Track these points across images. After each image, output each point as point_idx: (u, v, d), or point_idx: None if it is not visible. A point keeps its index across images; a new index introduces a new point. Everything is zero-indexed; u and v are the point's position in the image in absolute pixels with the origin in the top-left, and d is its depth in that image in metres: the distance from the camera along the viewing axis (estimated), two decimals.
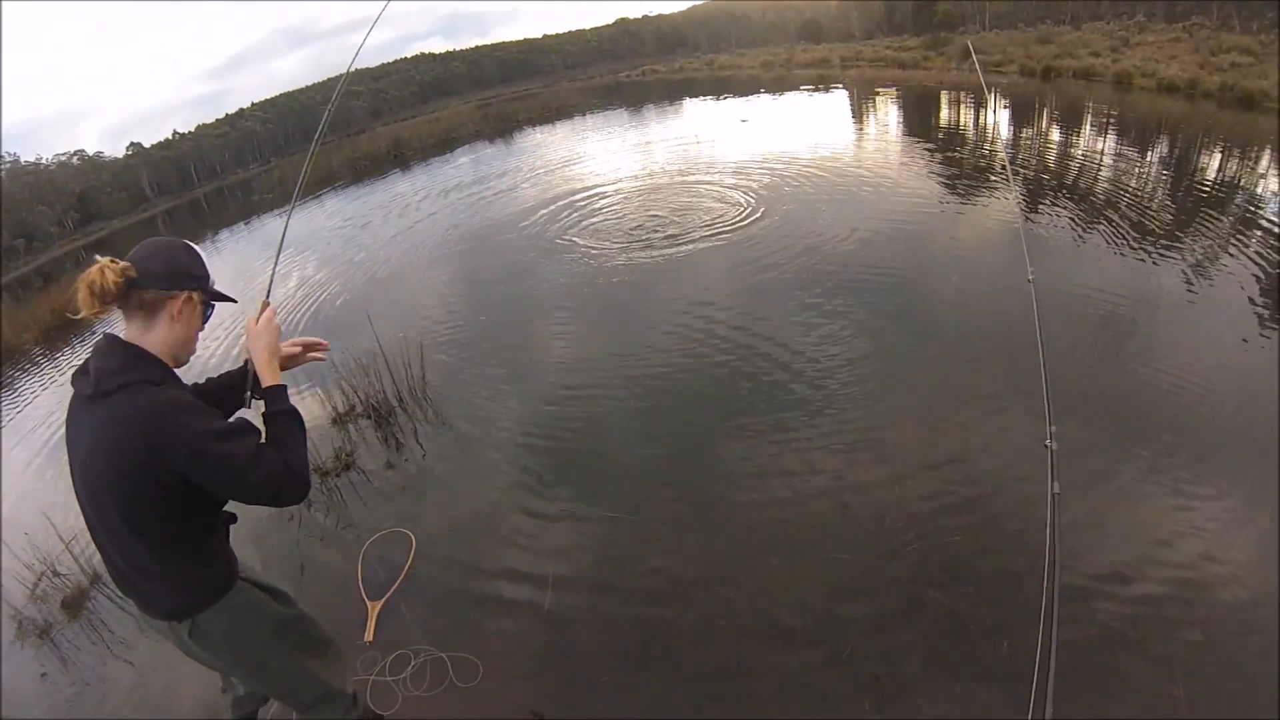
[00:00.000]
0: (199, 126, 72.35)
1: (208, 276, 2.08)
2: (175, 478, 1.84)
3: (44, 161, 60.66)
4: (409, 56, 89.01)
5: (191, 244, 2.08)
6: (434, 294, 8.97)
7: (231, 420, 2.01)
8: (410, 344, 6.42)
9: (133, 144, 66.93)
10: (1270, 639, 2.88)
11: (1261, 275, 6.24)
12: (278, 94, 79.27)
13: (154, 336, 1.96)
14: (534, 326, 7.39)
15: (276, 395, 2.10)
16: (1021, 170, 11.30)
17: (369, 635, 3.56)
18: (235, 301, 2.25)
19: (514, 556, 4.05)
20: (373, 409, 5.80)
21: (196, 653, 2.17)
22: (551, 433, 5.30)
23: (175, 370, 2.02)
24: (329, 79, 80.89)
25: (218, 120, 74.48)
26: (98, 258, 1.89)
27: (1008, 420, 4.55)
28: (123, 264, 1.89)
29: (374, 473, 5.12)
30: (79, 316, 1.90)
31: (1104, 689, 2.76)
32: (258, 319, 2.20)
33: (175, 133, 70.55)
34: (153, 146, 67.23)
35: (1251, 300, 5.79)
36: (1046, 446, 2.32)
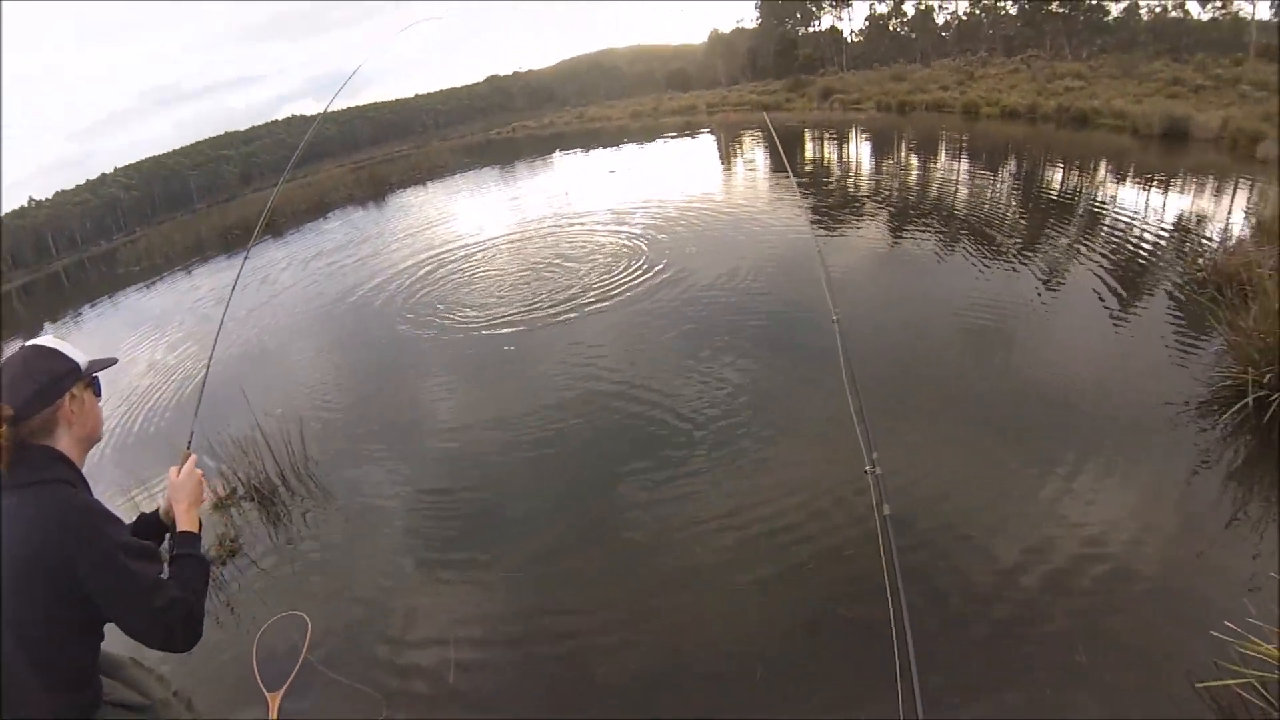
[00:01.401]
0: (58, 194, 67.72)
1: (76, 365, 1.95)
2: (74, 585, 1.72)
3: None
4: (280, 119, 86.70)
5: (42, 344, 1.95)
6: (308, 367, 8.52)
7: (145, 544, 1.91)
8: (288, 419, 6.16)
9: None
10: (1147, 588, 3.16)
11: (1108, 271, 6.89)
12: (143, 158, 75.26)
13: (62, 443, 1.88)
14: (414, 393, 7.16)
15: (191, 541, 2.04)
16: (883, 200, 12.01)
17: None
18: (117, 361, 2.15)
19: (415, 627, 3.89)
20: (255, 490, 5.46)
21: None
22: (442, 498, 5.14)
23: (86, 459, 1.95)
24: (196, 143, 77.54)
25: (78, 186, 69.60)
26: None
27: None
28: None
29: (261, 557, 4.80)
30: None
31: (1011, 672, 2.89)
32: (180, 469, 2.15)
33: (31, 200, 65.96)
34: (6, 215, 62.11)
35: (1101, 296, 6.36)
36: (869, 471, 2.49)
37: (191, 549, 2.02)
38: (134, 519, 2.28)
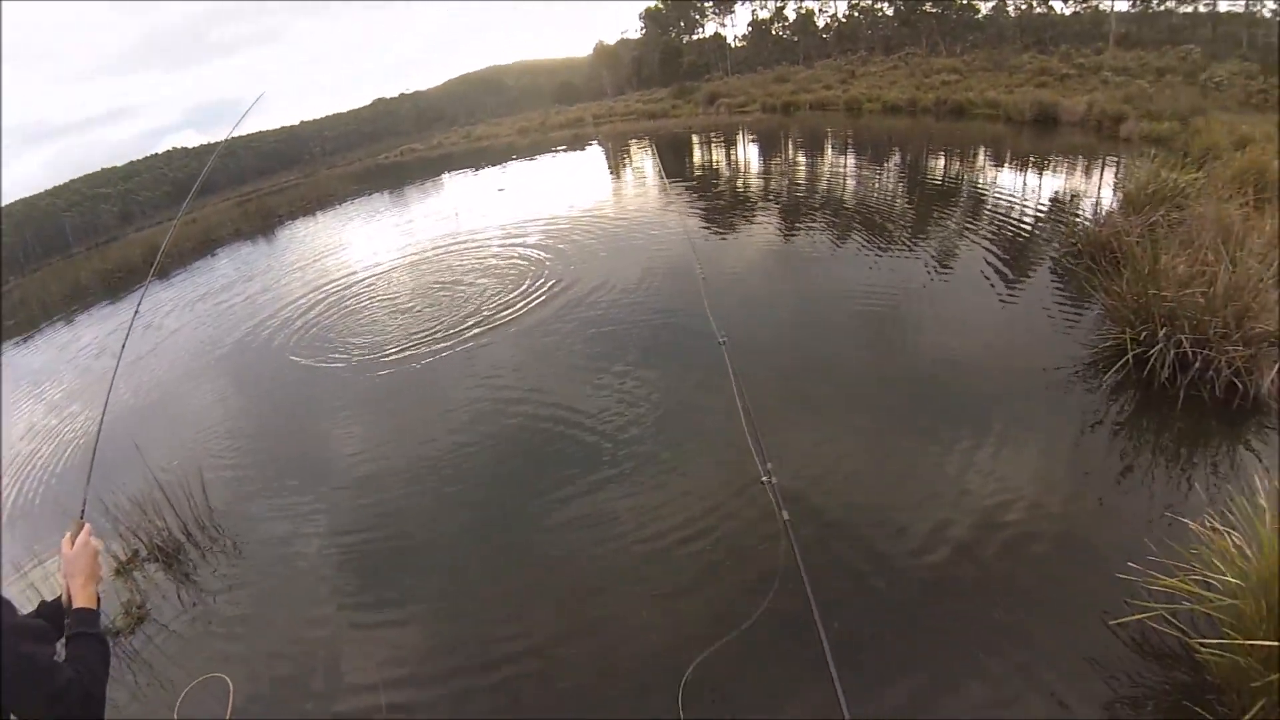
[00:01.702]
0: None
1: None
2: None
3: None
4: (160, 153, 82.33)
5: None
6: (202, 415, 7.95)
7: (36, 623, 1.82)
8: (187, 472, 5.80)
9: None
10: (1053, 541, 3.35)
11: (991, 249, 7.23)
12: (12, 201, 70.10)
13: None
14: (315, 432, 6.85)
15: (88, 618, 1.92)
16: (773, 198, 12.29)
17: None
18: None
19: (341, 676, 3.72)
20: (158, 550, 5.11)
21: None
22: (354, 537, 4.93)
23: None
24: (69, 181, 72.75)
25: None
26: None
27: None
28: None
29: (173, 620, 4.48)
30: None
31: (938, 640, 2.99)
32: (73, 539, 2.03)
33: None
34: None
35: (987, 274, 6.66)
36: (765, 481, 2.53)
37: (89, 627, 1.91)
38: (35, 608, 2.12)
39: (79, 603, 1.96)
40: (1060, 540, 3.37)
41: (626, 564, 3.94)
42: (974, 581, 3.23)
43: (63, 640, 1.89)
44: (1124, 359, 4.42)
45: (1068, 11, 39.68)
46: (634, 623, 3.52)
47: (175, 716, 3.62)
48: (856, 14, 50.63)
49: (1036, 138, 13.36)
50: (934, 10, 42.59)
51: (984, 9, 42.37)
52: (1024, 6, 40.90)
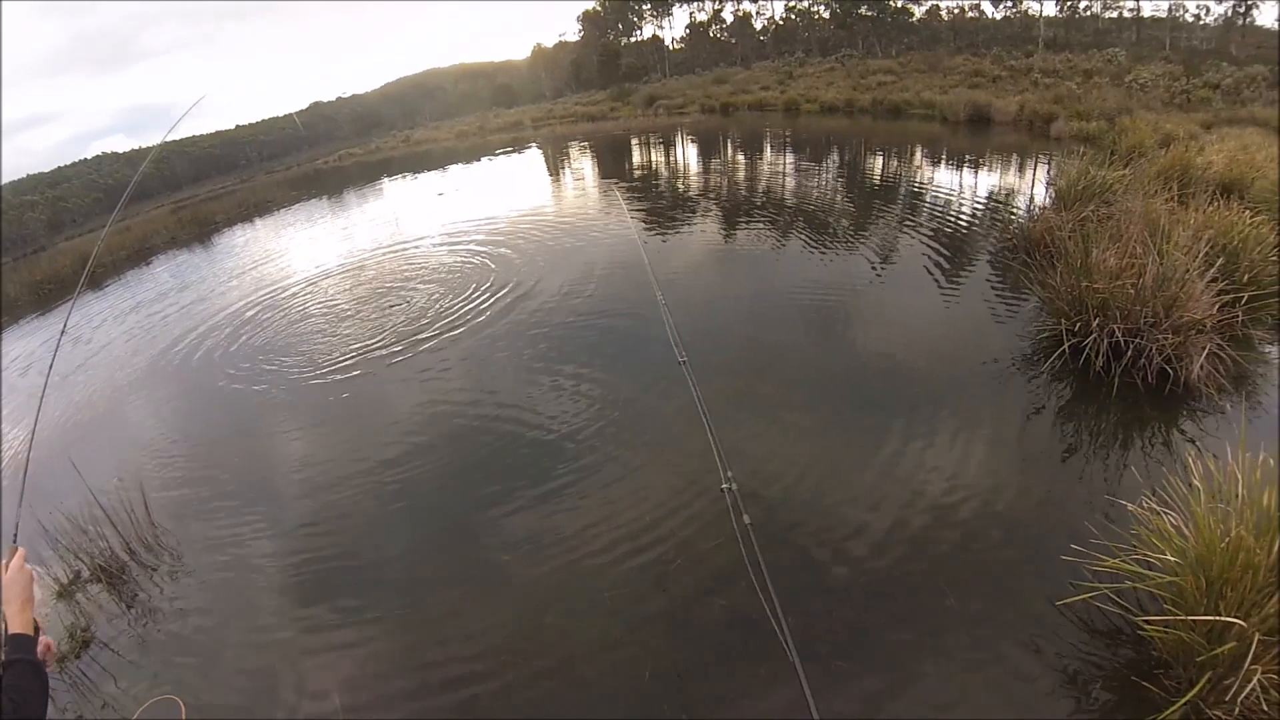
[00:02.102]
0: None
1: None
2: None
3: None
4: (89, 158, 78.92)
5: None
6: (140, 430, 7.69)
7: None
8: (128, 488, 5.60)
9: None
10: (1000, 528, 3.46)
11: (929, 246, 7.41)
12: None
13: None
14: (259, 445, 6.68)
15: (23, 643, 1.88)
16: (711, 199, 12.42)
17: None
18: None
19: (295, 694, 3.64)
20: (101, 570, 4.92)
21: None
22: (306, 549, 4.83)
23: None
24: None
25: None
26: None
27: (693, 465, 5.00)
28: None
29: (119, 642, 4.33)
30: None
31: (892, 630, 3.06)
32: (6, 565, 1.99)
33: None
34: None
35: (926, 270, 6.82)
36: (726, 489, 2.61)
37: (25, 653, 1.87)
38: None
39: (14, 629, 1.92)
40: (1006, 528, 3.47)
41: (584, 574, 3.93)
42: (925, 573, 3.31)
43: None
44: (1060, 349, 4.59)
45: (999, 16, 41.03)
46: (592, 634, 3.52)
47: None
48: (793, 16, 51.43)
49: (971, 137, 13.75)
50: (869, 14, 43.51)
51: (918, 12, 43.50)
52: (956, 11, 42.14)
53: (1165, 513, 2.80)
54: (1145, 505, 2.90)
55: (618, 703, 3.09)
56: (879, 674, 2.90)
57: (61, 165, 74.21)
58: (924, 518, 3.66)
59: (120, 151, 77.22)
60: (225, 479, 6.10)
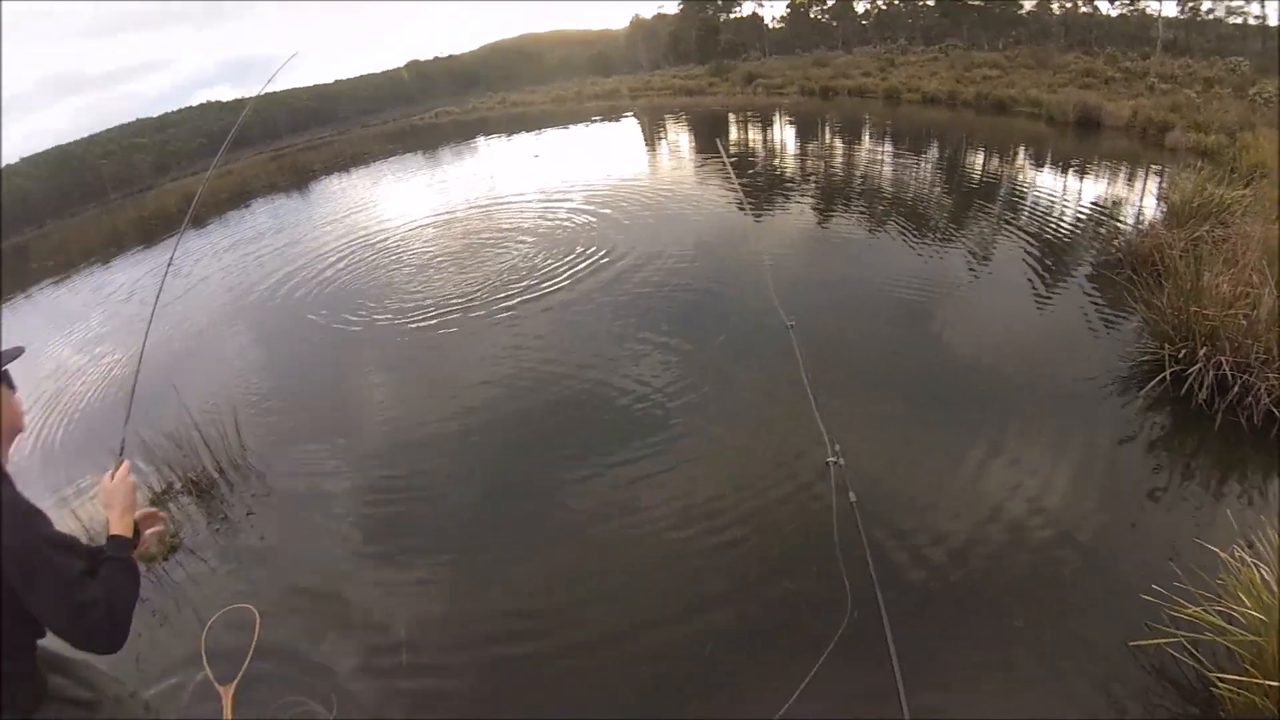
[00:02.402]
0: None
1: None
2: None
3: None
4: (194, 105, 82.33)
5: None
6: (236, 359, 8.25)
7: (70, 537, 1.89)
8: (222, 411, 5.95)
9: None
10: (1079, 555, 3.33)
11: (1027, 252, 7.16)
12: (50, 146, 70.51)
13: None
14: (348, 383, 6.99)
15: (121, 543, 2.01)
16: (809, 181, 12.17)
17: None
18: (23, 350, 2.11)
19: (363, 612, 3.85)
20: (192, 484, 5.28)
21: None
22: (383, 485, 5.07)
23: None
24: (105, 130, 73.08)
25: None
26: None
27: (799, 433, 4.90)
28: None
29: (203, 551, 4.65)
30: None
31: (950, 636, 3.00)
32: (113, 475, 2.14)
33: None
34: None
35: (1022, 276, 6.59)
36: (831, 463, 2.50)
37: (121, 552, 2.00)
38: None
39: (114, 531, 2.05)
40: (1085, 555, 3.35)
41: (653, 543, 3.97)
42: (997, 590, 3.23)
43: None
44: (1161, 375, 4.37)
45: (1114, 13, 38.60)
46: (654, 605, 3.54)
47: (203, 642, 3.73)
48: (897, 2, 49.67)
49: (1079, 140, 13.15)
50: (977, 3, 41.63)
51: (1028, 4, 41.37)
52: (1068, 5, 39.86)
53: (1257, 565, 2.65)
54: (1236, 554, 2.75)
55: (672, 680, 3.11)
56: (935, 682, 2.84)
57: (168, 111, 77.13)
58: (1003, 534, 3.56)
59: (224, 100, 79.87)
60: (310, 413, 6.42)
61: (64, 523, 4.65)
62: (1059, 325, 5.69)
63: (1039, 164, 11.59)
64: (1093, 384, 4.68)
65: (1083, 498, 3.73)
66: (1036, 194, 9.46)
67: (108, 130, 73.47)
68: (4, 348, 2.02)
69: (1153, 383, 4.40)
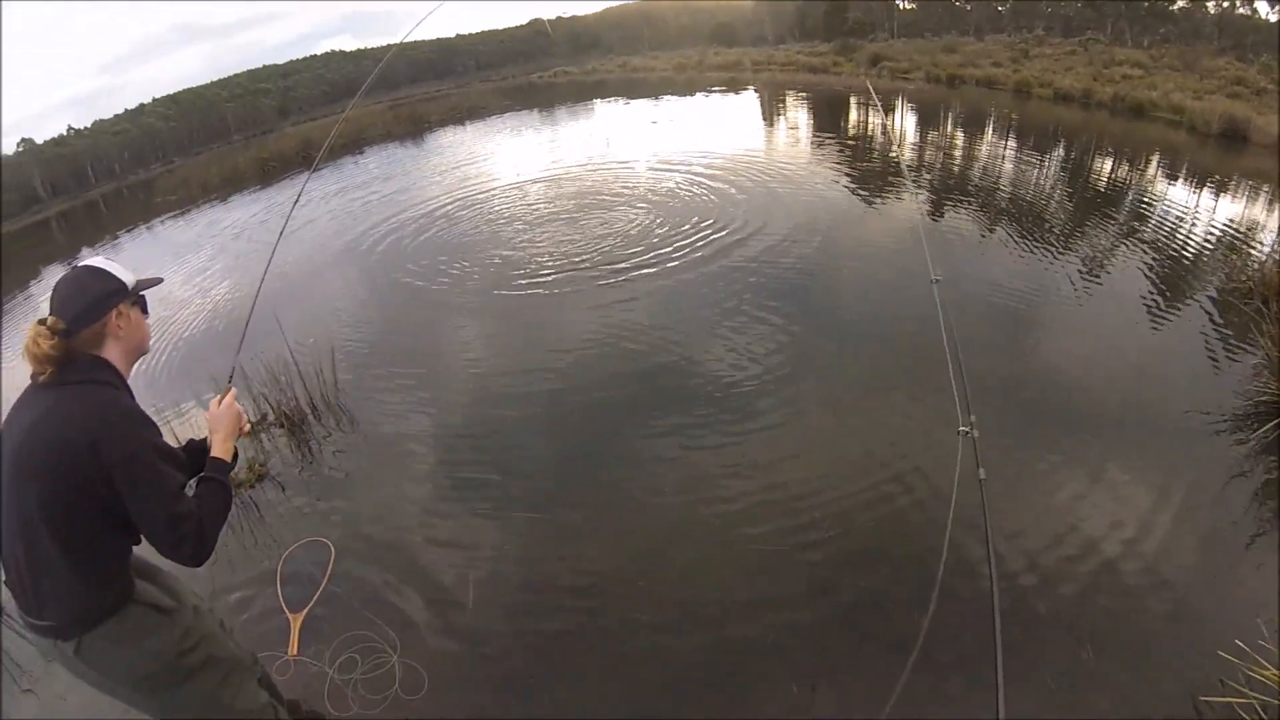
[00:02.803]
0: (96, 123, 66.26)
1: (123, 284, 2.10)
2: (101, 476, 1.84)
3: None
4: (318, 54, 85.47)
5: (93, 264, 2.10)
6: (336, 301, 8.67)
7: (175, 450, 2.08)
8: (320, 349, 6.25)
9: (23, 140, 60.87)
10: (1163, 596, 3.19)
11: (1150, 268, 6.80)
12: (181, 89, 74.53)
13: (110, 353, 2.04)
14: (444, 332, 7.23)
15: (220, 466, 2.18)
16: (928, 172, 11.81)
17: (292, 649, 3.43)
18: (161, 281, 2.32)
19: (434, 560, 4.01)
20: (285, 417, 5.60)
21: (84, 673, 2.09)
22: (465, 436, 5.26)
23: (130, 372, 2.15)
24: (233, 75, 76.87)
25: (116, 116, 68.12)
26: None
27: (918, 412, 4.76)
28: (50, 323, 1.93)
29: (288, 482, 4.96)
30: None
31: (1020, 656, 2.91)
32: (220, 400, 2.34)
33: (70, 129, 64.49)
34: (45, 143, 61.37)
35: (1141, 293, 6.28)
36: (963, 433, 2.37)
37: (219, 474, 2.15)
38: (187, 441, 2.42)
39: (216, 453, 2.22)
40: (1170, 597, 3.22)
41: (728, 522, 4.00)
42: (1071, 612, 3.14)
43: (195, 480, 2.15)
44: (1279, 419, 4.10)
45: (1274, 18, 35.28)
46: (720, 588, 3.55)
47: (279, 569, 3.96)
48: None
49: (1220, 154, 12.25)
50: None
51: (1180, 1, 38.22)
52: (1225, 4, 36.57)
53: None
54: None
55: (732, 662, 3.13)
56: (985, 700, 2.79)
57: (294, 59, 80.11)
58: (1087, 556, 3.46)
59: (347, 50, 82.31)
60: (406, 358, 6.71)
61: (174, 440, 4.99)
62: (1171, 349, 5.43)
63: (1171, 175, 10.91)
64: (1205, 419, 4.44)
65: (1177, 537, 3.57)
66: (1164, 207, 8.94)
67: (235, 75, 77.05)
68: (146, 277, 2.22)
69: (1269, 425, 4.14)
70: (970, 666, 2.86)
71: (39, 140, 62.38)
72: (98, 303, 2.01)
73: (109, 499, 1.88)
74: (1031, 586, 3.30)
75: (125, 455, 1.85)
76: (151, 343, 2.31)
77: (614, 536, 4.02)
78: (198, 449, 2.35)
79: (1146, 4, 38.22)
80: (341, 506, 4.63)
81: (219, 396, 2.36)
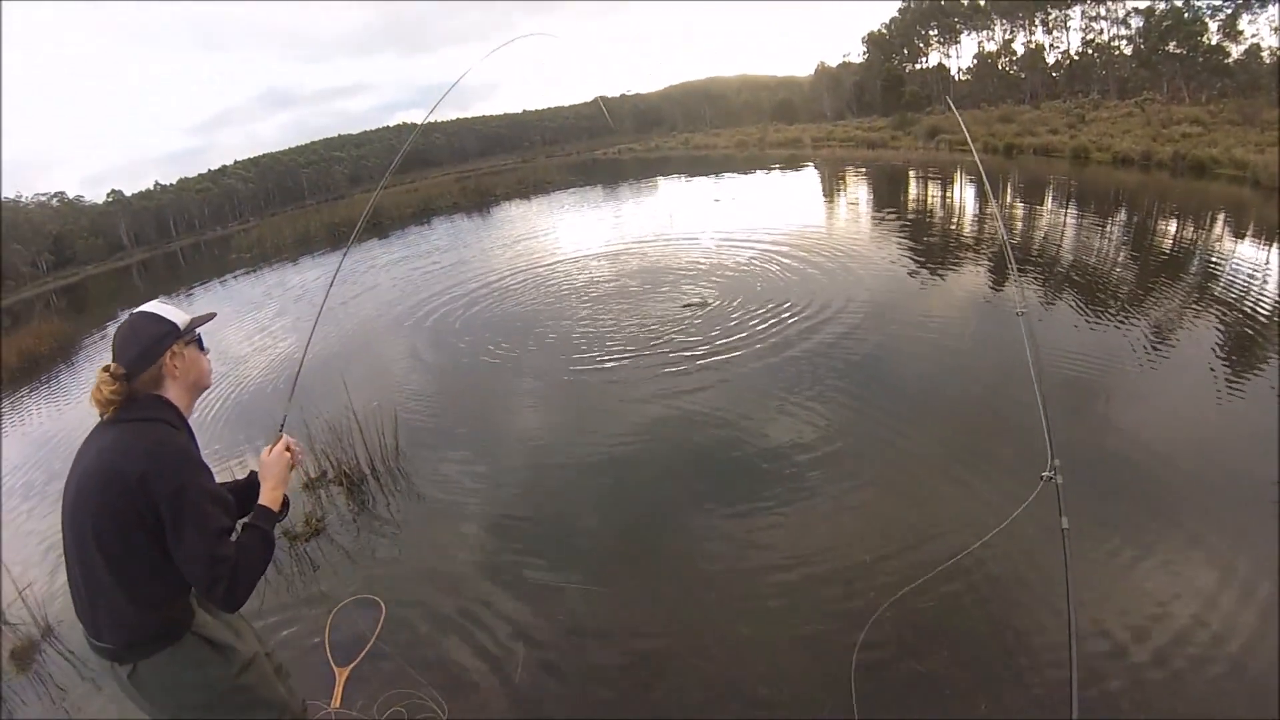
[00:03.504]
0: (180, 180, 71.10)
1: (175, 326, 2.21)
2: (152, 512, 1.94)
3: (23, 200, 59.28)
4: (391, 125, 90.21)
5: (147, 309, 2.23)
6: (404, 364, 8.97)
7: (225, 494, 2.14)
8: (384, 412, 6.41)
9: (113, 191, 65.87)
10: (1220, 676, 2.99)
11: (1220, 335, 6.56)
12: (261, 154, 78.96)
13: (169, 391, 2.17)
14: (503, 402, 7.35)
15: (267, 515, 2.25)
16: (993, 242, 11.72)
17: (335, 701, 3.48)
18: (214, 316, 2.46)
19: (484, 626, 4.01)
20: (345, 475, 5.75)
21: (136, 699, 2.16)
22: (521, 505, 5.29)
23: (192, 410, 2.28)
24: (310, 142, 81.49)
25: (200, 175, 73.18)
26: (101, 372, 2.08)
27: (978, 483, 4.68)
28: (111, 369, 2.07)
29: (344, 539, 5.07)
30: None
31: None
32: (271, 449, 2.40)
33: (157, 184, 69.52)
34: (133, 196, 66.14)
35: (1212, 364, 6.01)
36: (1046, 479, 2.20)
37: (264, 523, 2.21)
38: (245, 476, 2.53)
39: (264, 501, 2.28)
40: (1227, 677, 3.00)
41: (805, 592, 3.93)
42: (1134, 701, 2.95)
43: (241, 524, 2.20)
44: None
45: None
46: (792, 654, 3.51)
47: (328, 623, 4.04)
48: (1090, 51, 46.60)
49: None
50: (1178, 51, 38.12)
51: (1235, 52, 37.39)
52: None
53: None
54: None
55: None
56: None
57: (367, 129, 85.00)
58: (1146, 631, 3.28)
59: (416, 122, 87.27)
60: (463, 430, 6.84)
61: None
62: (1240, 420, 5.14)
63: (1238, 235, 10.56)
64: (1271, 490, 4.16)
65: (1239, 611, 3.35)
66: (1231, 268, 8.63)
67: (312, 143, 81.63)
68: (198, 315, 2.34)
69: None
70: None
71: (128, 193, 66.82)
72: (152, 347, 2.14)
73: (158, 529, 1.97)
74: (1109, 681, 3.08)
75: (171, 490, 1.94)
76: (213, 378, 2.45)
77: (667, 612, 3.96)
78: (246, 486, 2.45)
79: (1202, 59, 37.57)
80: (395, 568, 4.69)
81: (270, 445, 2.43)
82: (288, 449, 2.42)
